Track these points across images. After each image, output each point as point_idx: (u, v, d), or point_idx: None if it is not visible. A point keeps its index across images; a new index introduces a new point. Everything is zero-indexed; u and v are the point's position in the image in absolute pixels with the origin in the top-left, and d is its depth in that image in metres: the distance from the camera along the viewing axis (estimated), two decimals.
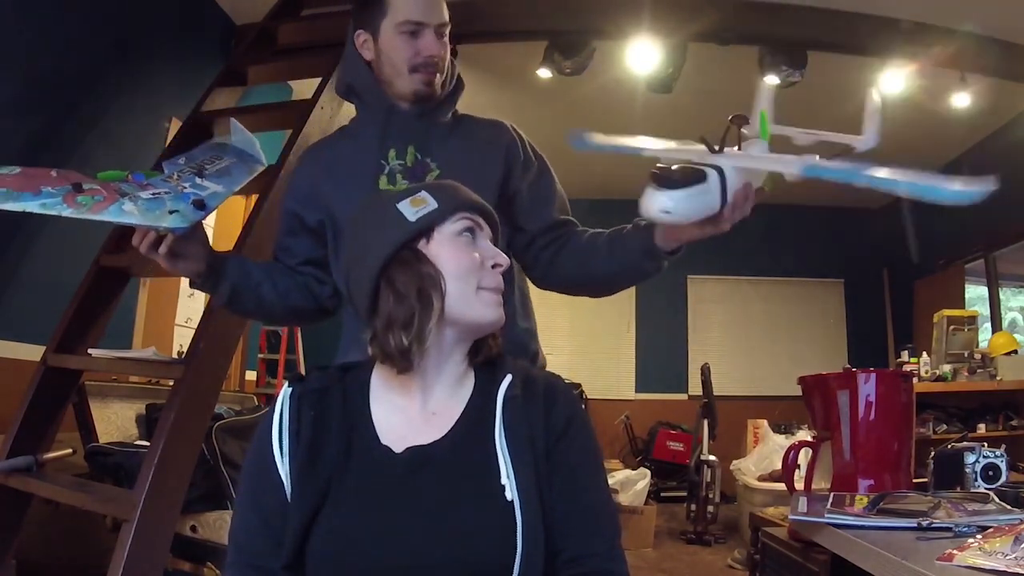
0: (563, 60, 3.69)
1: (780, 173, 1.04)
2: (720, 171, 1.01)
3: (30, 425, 2.03)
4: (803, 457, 1.59)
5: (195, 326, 2.16)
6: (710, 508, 4.41)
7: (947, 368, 3.99)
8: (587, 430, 0.92)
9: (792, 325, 6.66)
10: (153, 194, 1.07)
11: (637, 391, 6.58)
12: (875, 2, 3.59)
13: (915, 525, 1.02)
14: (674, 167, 1.01)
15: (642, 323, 6.67)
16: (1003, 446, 1.41)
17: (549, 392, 0.91)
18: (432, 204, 0.90)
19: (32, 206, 1.01)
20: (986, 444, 1.39)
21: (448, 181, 0.99)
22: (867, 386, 1.42)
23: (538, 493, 0.83)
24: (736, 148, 1.06)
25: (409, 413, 0.89)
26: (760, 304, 6.74)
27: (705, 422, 4.62)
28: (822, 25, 3.63)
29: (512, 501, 0.82)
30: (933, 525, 1.01)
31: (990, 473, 1.33)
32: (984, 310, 5.12)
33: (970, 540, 0.90)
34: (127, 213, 1.03)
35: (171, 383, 2.04)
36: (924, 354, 4.08)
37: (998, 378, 3.91)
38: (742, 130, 1.08)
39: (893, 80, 3.90)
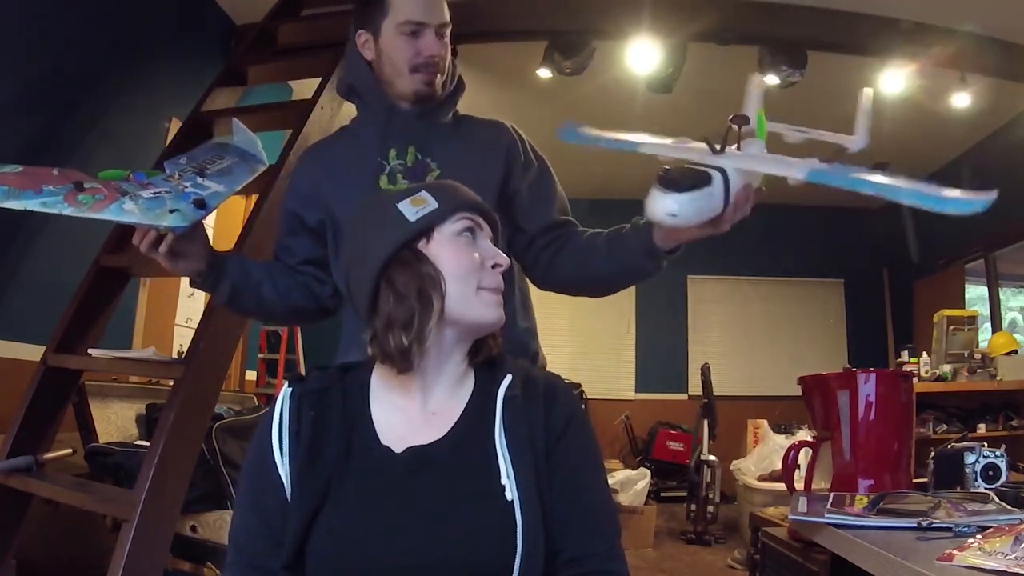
0: (563, 60, 3.69)
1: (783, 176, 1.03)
2: (723, 173, 1.01)
3: (30, 425, 2.03)
4: (803, 457, 1.58)
5: (195, 326, 2.16)
6: (710, 508, 4.41)
7: (947, 368, 3.99)
8: (587, 430, 0.92)
9: (792, 325, 6.66)
10: (154, 193, 1.07)
11: (637, 391, 6.58)
12: (875, 2, 3.59)
13: (915, 525, 1.02)
14: (680, 169, 1.01)
15: (642, 323, 6.67)
16: (1003, 446, 1.41)
17: (549, 392, 0.91)
18: (432, 204, 0.90)
19: (33, 204, 1.01)
20: (986, 444, 1.39)
21: (448, 181, 0.99)
22: (867, 386, 1.42)
23: (538, 493, 0.83)
24: (736, 148, 1.06)
25: (409, 413, 0.89)
26: (760, 304, 6.74)
27: (705, 422, 4.62)
28: (822, 25, 3.63)
29: (512, 501, 0.82)
30: (933, 525, 1.01)
31: (990, 473, 1.33)
32: (984, 310, 5.12)
33: (970, 540, 0.90)
34: (127, 212, 1.04)
35: (171, 383, 2.04)
36: (924, 354, 4.08)
37: (998, 378, 3.91)
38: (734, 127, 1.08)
39: (893, 80, 3.91)
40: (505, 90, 4.30)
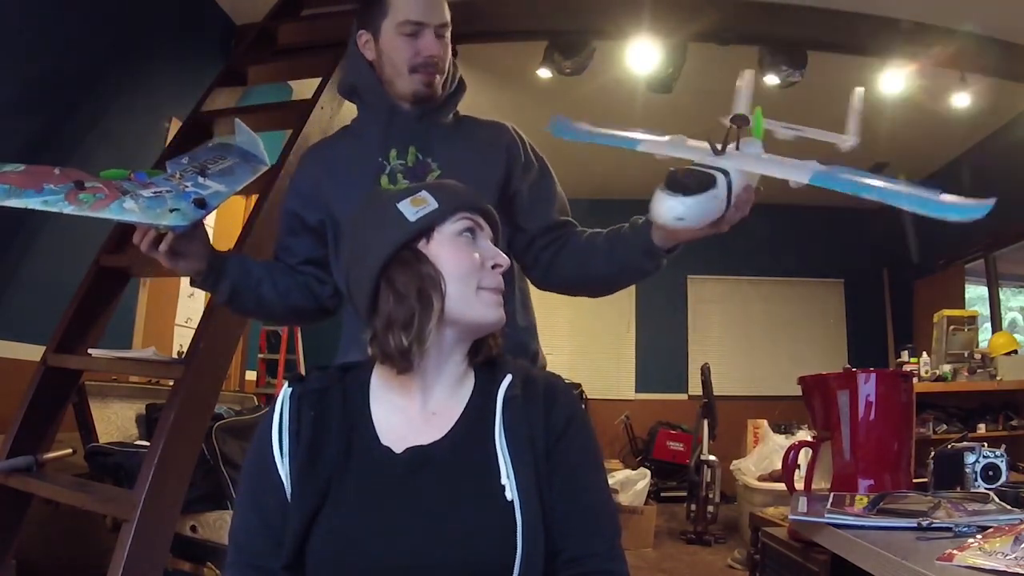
0: (563, 60, 3.69)
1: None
2: (726, 174, 1.01)
3: (30, 425, 2.03)
4: (803, 457, 1.58)
5: (195, 326, 2.16)
6: (710, 508, 4.41)
7: (947, 368, 3.99)
8: (587, 430, 0.92)
9: (792, 325, 6.66)
10: (155, 192, 1.07)
11: (637, 391, 6.58)
12: (875, 2, 3.59)
13: (915, 525, 1.02)
14: (686, 171, 1.01)
15: (642, 323, 6.67)
16: (1003, 446, 1.41)
17: (549, 392, 0.91)
18: (432, 204, 0.90)
19: (34, 203, 1.01)
20: (986, 444, 1.39)
21: (449, 181, 0.99)
22: (867, 386, 1.42)
23: (538, 493, 0.83)
24: (735, 147, 1.06)
25: (409, 413, 0.89)
26: (760, 304, 6.74)
27: (705, 422, 4.62)
28: (822, 25, 3.63)
29: (512, 501, 0.82)
30: (933, 525, 1.01)
31: (990, 473, 1.33)
32: (984, 310, 5.12)
33: (970, 540, 0.90)
34: (128, 211, 1.04)
35: (171, 383, 2.04)
36: (924, 354, 4.08)
37: (998, 378, 3.91)
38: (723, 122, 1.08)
39: (893, 80, 3.91)
40: (505, 90, 4.30)
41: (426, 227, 0.89)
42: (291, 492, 0.84)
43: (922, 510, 1.09)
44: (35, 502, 2.01)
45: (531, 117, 1.20)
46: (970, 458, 1.34)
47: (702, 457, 4.50)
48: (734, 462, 4.57)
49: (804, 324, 6.67)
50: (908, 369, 3.64)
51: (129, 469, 2.05)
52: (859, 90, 1.11)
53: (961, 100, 4.07)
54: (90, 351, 2.13)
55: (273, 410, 0.88)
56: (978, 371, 3.98)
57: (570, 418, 0.90)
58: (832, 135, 1.13)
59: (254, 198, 2.60)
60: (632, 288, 5.23)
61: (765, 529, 1.84)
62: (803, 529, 1.34)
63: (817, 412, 1.54)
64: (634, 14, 3.58)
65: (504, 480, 0.83)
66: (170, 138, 2.99)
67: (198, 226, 1.13)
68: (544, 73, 3.92)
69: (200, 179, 1.13)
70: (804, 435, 3.89)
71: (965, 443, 1.41)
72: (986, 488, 1.28)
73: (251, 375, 4.39)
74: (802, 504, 1.25)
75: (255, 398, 3.27)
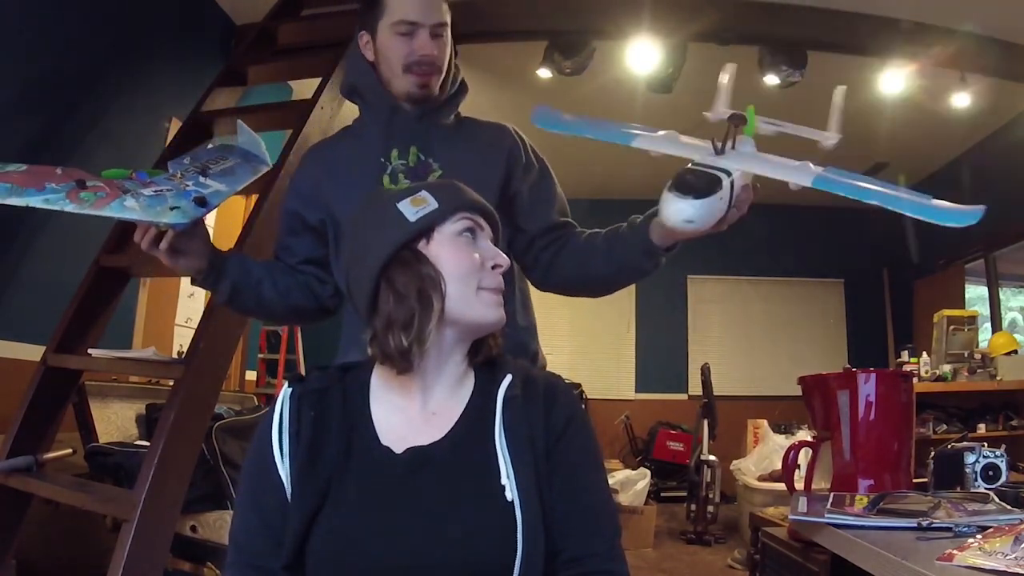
0: (563, 60, 3.69)
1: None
2: (728, 174, 1.02)
3: (30, 425, 2.03)
4: (803, 457, 1.58)
5: (195, 326, 2.16)
6: (710, 508, 4.41)
7: (947, 368, 3.99)
8: (587, 430, 0.92)
9: (792, 325, 6.66)
10: (156, 191, 1.08)
11: (637, 391, 6.58)
12: (875, 2, 3.59)
13: (915, 525, 1.02)
14: (694, 173, 1.01)
15: (642, 323, 6.67)
16: (1003, 446, 1.41)
17: (549, 392, 0.91)
18: (432, 204, 0.90)
19: (36, 201, 1.01)
20: (986, 444, 1.39)
21: (449, 180, 0.99)
22: (867, 386, 1.42)
23: (538, 493, 0.83)
24: (731, 146, 1.06)
25: (409, 413, 0.89)
26: (760, 304, 6.74)
27: (705, 422, 4.62)
28: (822, 25, 3.63)
29: (512, 501, 0.82)
30: (933, 525, 1.01)
31: (990, 473, 1.33)
32: (984, 310, 5.12)
33: (970, 540, 0.90)
34: (129, 209, 1.04)
35: (171, 383, 2.04)
36: (924, 354, 4.08)
37: (998, 378, 3.91)
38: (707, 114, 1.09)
39: (893, 80, 3.91)
40: (505, 90, 4.30)
41: (426, 227, 0.89)
42: (291, 492, 0.84)
43: (922, 510, 1.09)
44: (35, 502, 2.01)
45: (531, 117, 1.20)
46: (970, 458, 1.34)
47: (702, 457, 4.50)
48: (734, 462, 4.57)
49: (804, 324, 6.66)
50: (908, 369, 3.64)
51: (129, 469, 2.05)
52: (841, 88, 1.12)
53: (961, 100, 4.07)
54: (90, 351, 2.13)
55: (273, 410, 0.88)
56: (978, 371, 3.98)
57: (570, 418, 0.90)
58: (815, 132, 1.13)
59: (254, 198, 2.60)
60: (632, 288, 5.23)
61: (765, 529, 1.84)
62: (803, 529, 1.34)
63: (817, 412, 1.54)
64: (634, 14, 3.58)
65: (504, 480, 0.83)
66: (170, 138, 2.99)
67: (199, 224, 1.13)
68: (544, 73, 3.92)
69: (201, 178, 1.14)
70: (804, 435, 3.89)
71: (965, 443, 1.41)
72: (986, 488, 1.28)
73: (251, 375, 4.39)
74: (802, 504, 1.25)
75: (255, 398, 3.28)
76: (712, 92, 1.16)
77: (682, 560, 4.04)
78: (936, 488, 1.35)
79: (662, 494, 5.45)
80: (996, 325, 5.03)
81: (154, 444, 1.86)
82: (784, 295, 6.74)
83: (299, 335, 4.70)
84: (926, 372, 3.98)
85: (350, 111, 1.42)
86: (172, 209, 1.06)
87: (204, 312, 2.18)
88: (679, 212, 1.00)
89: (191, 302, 3.73)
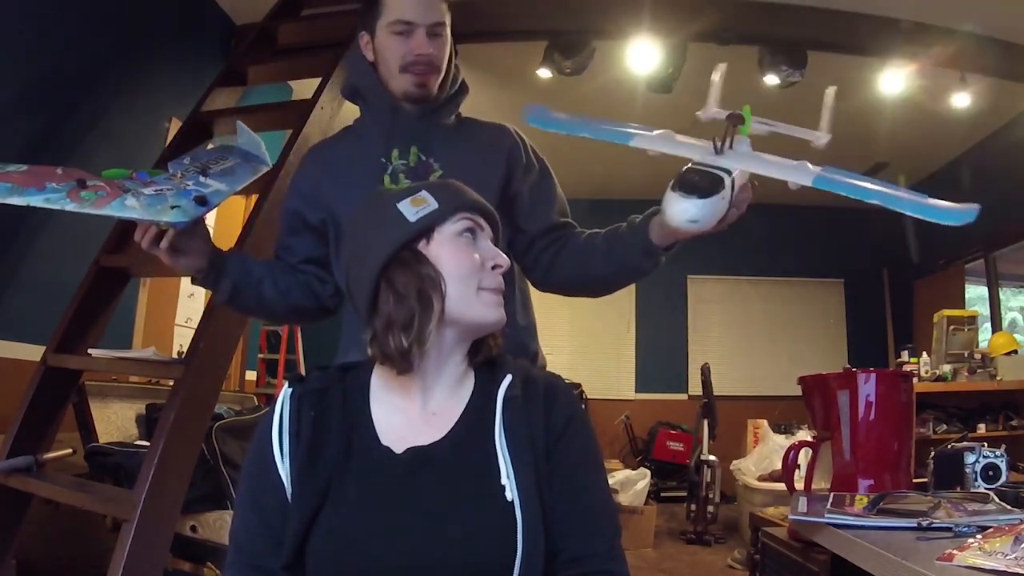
0: (563, 60, 3.69)
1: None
2: (728, 173, 1.02)
3: (30, 425, 2.03)
4: (803, 457, 1.59)
5: (195, 326, 2.16)
6: (710, 508, 4.41)
7: (947, 368, 3.99)
8: (587, 430, 0.92)
9: (792, 325, 6.66)
10: (156, 191, 1.08)
11: (637, 391, 6.58)
12: (875, 2, 3.59)
13: (915, 525, 1.02)
14: (697, 173, 1.01)
15: (642, 323, 6.67)
16: (1003, 446, 1.41)
17: (549, 392, 0.91)
18: (432, 204, 0.90)
19: (37, 200, 1.02)
20: (986, 444, 1.39)
21: (449, 180, 0.99)
22: (867, 386, 1.42)
23: (538, 493, 0.83)
24: (729, 145, 1.06)
25: (409, 413, 0.89)
26: (760, 304, 6.74)
27: (705, 422, 4.62)
28: (822, 25, 3.63)
29: (512, 501, 0.82)
30: (933, 525, 1.01)
31: (990, 473, 1.33)
32: (984, 310, 5.12)
33: (970, 540, 0.90)
34: (129, 208, 1.04)
35: (171, 383, 2.04)
36: (924, 354, 4.08)
37: (998, 378, 3.91)
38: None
39: (893, 80, 3.91)
40: (505, 90, 4.30)
41: (426, 227, 0.89)
42: (291, 492, 0.84)
43: (922, 510, 1.09)
44: (35, 502, 2.01)
45: (524, 116, 1.20)
46: (970, 458, 1.34)
47: (702, 457, 4.50)
48: (734, 462, 4.57)
49: (804, 324, 6.66)
50: (908, 369, 3.64)
51: (129, 469, 2.05)
52: (831, 88, 1.12)
53: (961, 100, 4.07)
54: (90, 351, 2.13)
55: (273, 410, 0.88)
56: (978, 371, 3.98)
57: (570, 418, 0.90)
58: (807, 132, 1.13)
59: (254, 198, 2.60)
60: (632, 288, 5.23)
61: (765, 529, 1.84)
62: (803, 529, 1.34)
63: (817, 412, 1.54)
64: (634, 14, 3.58)
65: (504, 480, 0.83)
66: (170, 138, 2.99)
67: (199, 223, 1.13)
68: (544, 73, 3.92)
69: (201, 178, 1.14)
70: (804, 435, 3.89)
71: (965, 443, 1.41)
72: (986, 488, 1.28)
73: (251, 375, 4.39)
74: (802, 504, 1.25)
75: (255, 398, 3.28)
76: None
77: (682, 560, 4.04)
78: (936, 488, 1.35)
79: (662, 494, 5.45)
80: (996, 325, 5.03)
81: (154, 444, 1.86)
82: (784, 295, 6.74)
83: (299, 335, 4.70)
84: (926, 372, 3.98)
85: (350, 111, 1.42)
86: (173, 208, 1.07)
87: (204, 312, 2.18)
88: (684, 212, 1.00)
89: (191, 302, 3.73)
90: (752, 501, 3.98)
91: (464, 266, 0.89)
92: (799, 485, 1.57)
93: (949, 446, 1.44)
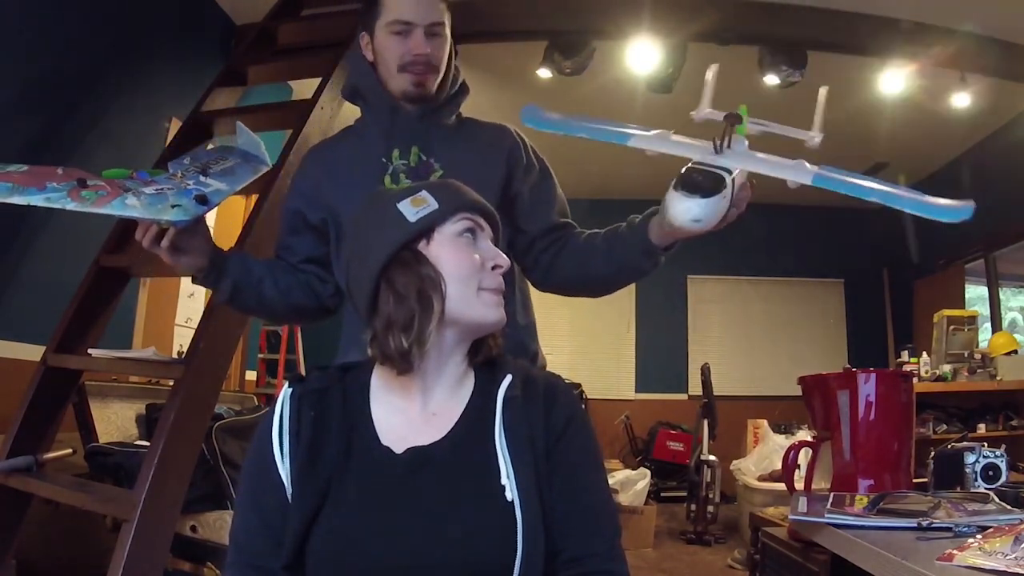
0: (563, 60, 3.69)
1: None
2: (728, 173, 1.02)
3: (30, 425, 2.03)
4: (803, 457, 1.59)
5: (195, 326, 2.16)
6: (710, 508, 4.41)
7: (947, 368, 3.99)
8: (587, 430, 0.92)
9: (792, 325, 6.66)
10: (157, 190, 1.08)
11: (637, 391, 6.58)
12: (875, 2, 3.59)
13: (915, 525, 1.02)
14: (700, 172, 1.01)
15: (642, 323, 6.67)
16: (1003, 446, 1.41)
17: (549, 392, 0.91)
18: (433, 204, 0.90)
19: (37, 200, 1.02)
20: (986, 444, 1.39)
21: (450, 180, 0.99)
22: (867, 386, 1.42)
23: (538, 493, 0.83)
24: (727, 145, 1.06)
25: (409, 414, 0.89)
26: (760, 304, 6.74)
27: (705, 422, 4.62)
28: (822, 25, 3.63)
29: (512, 501, 0.82)
30: (933, 525, 1.01)
31: (990, 473, 1.33)
32: (984, 310, 5.12)
33: (970, 540, 0.90)
34: (130, 207, 1.04)
35: (171, 383, 2.04)
36: (924, 354, 4.08)
37: (998, 378, 3.91)
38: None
39: (893, 80, 3.91)
40: (505, 90, 4.30)
41: (426, 227, 0.89)
42: (291, 492, 0.84)
43: (922, 510, 1.09)
44: (35, 502, 2.01)
45: (520, 116, 1.20)
46: (970, 458, 1.34)
47: (702, 457, 4.50)
48: (734, 462, 4.57)
49: (804, 324, 6.67)
50: (908, 369, 3.63)
51: (129, 469, 2.05)
52: (824, 89, 1.12)
53: (961, 100, 4.07)
54: (90, 351, 2.13)
55: (273, 410, 0.88)
56: (978, 371, 3.98)
57: (570, 418, 0.90)
58: (800, 132, 1.14)
59: (254, 198, 2.60)
60: (632, 288, 5.23)
61: (765, 529, 1.84)
62: (803, 529, 1.34)
63: (817, 412, 1.54)
64: (634, 14, 3.58)
65: (504, 480, 0.83)
66: (170, 138, 2.99)
67: (200, 222, 1.13)
68: (544, 73, 3.92)
69: (202, 178, 1.14)
70: (804, 435, 3.89)
71: (965, 443, 1.41)
72: (986, 488, 1.28)
73: (251, 375, 4.39)
74: (802, 504, 1.25)
75: (255, 398, 3.28)
76: (713, 92, 1.16)
77: (682, 560, 4.04)
78: (936, 488, 1.35)
79: (662, 494, 5.45)
80: (996, 325, 5.03)
81: (154, 444, 1.86)
82: (784, 295, 6.75)
83: (299, 335, 4.70)
84: (926, 372, 3.98)
85: (350, 111, 1.42)
86: (173, 207, 1.07)
87: (204, 312, 2.18)
88: (687, 211, 1.00)
89: (191, 302, 3.73)
90: (752, 501, 3.98)
91: (464, 266, 0.89)
92: (799, 485, 1.57)
93: (949, 446, 1.44)
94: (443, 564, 0.80)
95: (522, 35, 3.76)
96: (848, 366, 1.92)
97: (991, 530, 0.94)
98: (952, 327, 4.12)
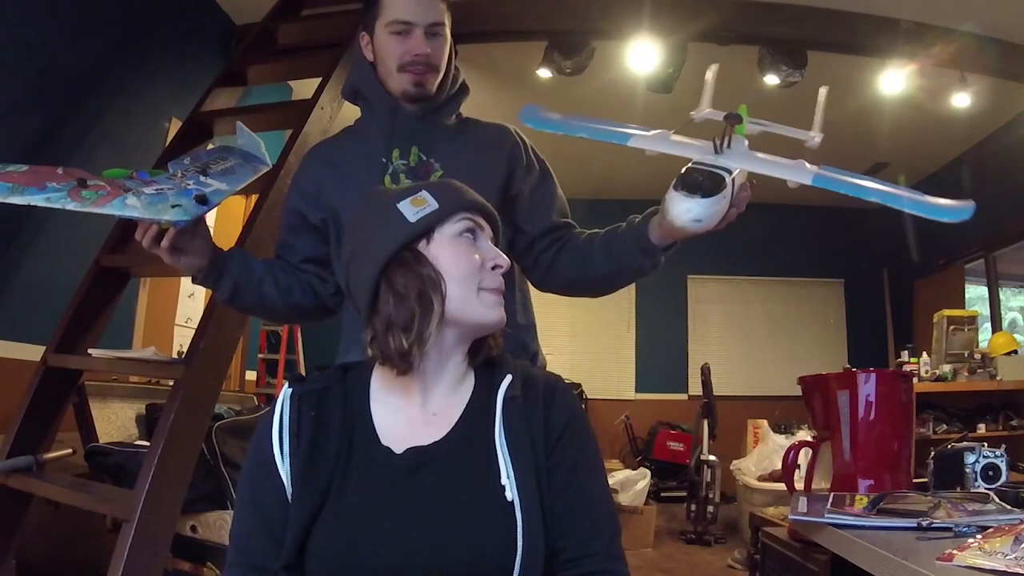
0: (563, 60, 3.69)
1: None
2: (728, 172, 1.02)
3: (30, 425, 2.03)
4: (803, 457, 1.59)
5: (195, 326, 2.16)
6: (710, 508, 4.41)
7: (947, 368, 3.98)
8: (586, 430, 0.92)
9: (792, 325, 6.66)
10: (157, 190, 1.08)
11: (637, 391, 6.58)
12: (875, 2, 3.59)
13: (915, 525, 1.02)
14: (700, 172, 1.01)
15: (642, 323, 6.67)
16: (1003, 446, 1.40)
17: (549, 392, 0.91)
18: (433, 204, 0.90)
19: (37, 199, 1.02)
20: (986, 444, 1.39)
21: (450, 180, 0.98)
22: (867, 386, 1.42)
23: (538, 493, 0.83)
24: (727, 145, 1.07)
25: (409, 414, 0.89)
26: (760, 304, 6.74)
27: (705, 422, 4.62)
28: (822, 25, 3.64)
29: (512, 501, 0.82)
30: (933, 525, 1.01)
31: (990, 473, 1.33)
32: (984, 310, 5.12)
33: (970, 540, 0.90)
34: (130, 207, 1.04)
35: (171, 383, 2.04)
36: (924, 354, 4.08)
37: (998, 378, 3.91)
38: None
39: (893, 80, 3.90)
40: (505, 90, 4.30)
41: (426, 228, 0.89)
42: (291, 492, 0.84)
43: (922, 510, 1.09)
44: (35, 502, 2.01)
45: (519, 116, 1.20)
46: (970, 458, 1.34)
47: (702, 457, 4.50)
48: (734, 462, 4.57)
49: (804, 324, 6.67)
50: (908, 369, 3.64)
51: (129, 469, 2.05)
52: (824, 89, 1.12)
53: (961, 100, 4.07)
54: (90, 351, 2.13)
55: (273, 410, 0.88)
56: (978, 371, 3.98)
57: (570, 418, 0.90)
58: (799, 132, 1.14)
59: (254, 198, 2.60)
60: (632, 288, 5.23)
61: (765, 529, 1.84)
62: (803, 529, 1.34)
63: (817, 412, 1.54)
64: (634, 14, 3.58)
65: (504, 480, 0.83)
66: (170, 138, 2.99)
67: (200, 222, 1.13)
68: (544, 73, 3.92)
69: (202, 178, 1.14)
70: (804, 435, 3.89)
71: (965, 443, 1.41)
72: (986, 488, 1.28)
73: (251, 375, 4.39)
74: (802, 504, 1.25)
75: (255, 398, 3.28)
76: (713, 92, 1.16)
77: (682, 560, 4.04)
78: (936, 488, 1.35)
79: (662, 494, 5.45)
80: (996, 325, 5.03)
81: (154, 444, 1.86)
82: (784, 295, 6.75)
83: (299, 335, 4.71)
84: (926, 372, 3.98)
85: (350, 111, 1.42)
86: (173, 207, 1.07)
87: (204, 312, 2.18)
88: (688, 211, 1.00)
89: (191, 302, 3.74)
90: (752, 501, 3.98)
91: (464, 266, 0.89)
92: (799, 485, 1.57)
93: (949, 446, 1.44)
94: (443, 564, 0.80)
95: (522, 35, 3.76)
96: (848, 366, 1.92)
97: (991, 530, 0.94)
98: (952, 327, 4.12)
